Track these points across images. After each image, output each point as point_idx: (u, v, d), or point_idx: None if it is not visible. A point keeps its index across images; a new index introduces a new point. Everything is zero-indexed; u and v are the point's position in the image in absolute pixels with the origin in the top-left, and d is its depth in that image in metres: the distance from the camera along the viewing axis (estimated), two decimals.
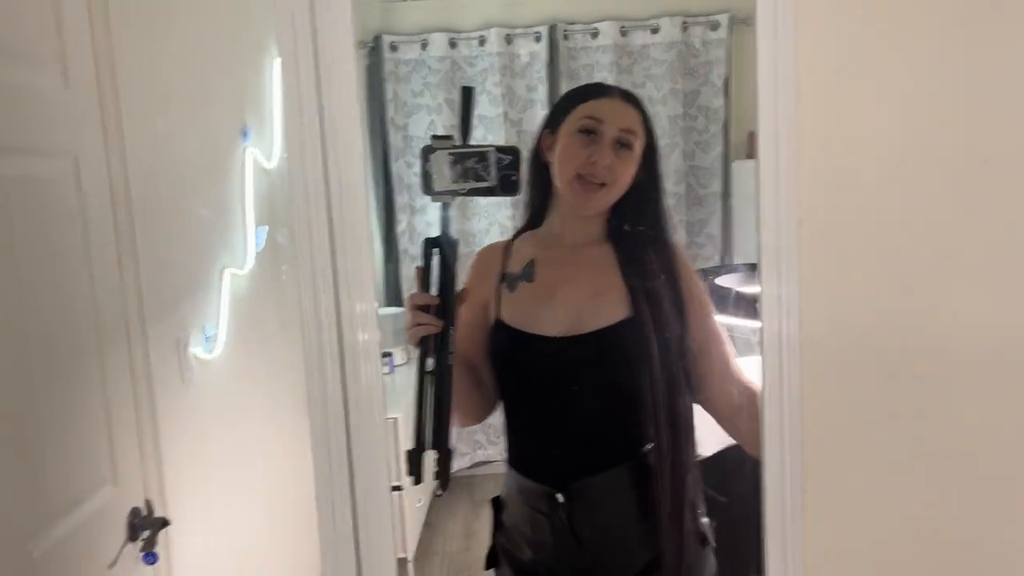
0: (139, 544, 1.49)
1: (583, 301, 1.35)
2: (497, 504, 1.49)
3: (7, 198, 1.21)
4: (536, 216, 1.46)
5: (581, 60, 3.71)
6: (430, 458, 1.13)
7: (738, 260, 3.72)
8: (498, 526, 1.48)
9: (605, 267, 1.37)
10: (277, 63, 2.68)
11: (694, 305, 1.36)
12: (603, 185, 1.33)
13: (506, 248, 1.48)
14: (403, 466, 2.99)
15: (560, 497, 1.34)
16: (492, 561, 1.50)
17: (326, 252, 0.88)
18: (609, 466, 1.34)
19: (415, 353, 1.18)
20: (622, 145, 1.33)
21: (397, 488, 2.97)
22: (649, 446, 1.33)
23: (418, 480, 1.11)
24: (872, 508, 1.01)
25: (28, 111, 1.28)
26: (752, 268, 2.41)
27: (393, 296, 3.94)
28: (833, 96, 0.96)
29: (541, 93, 3.70)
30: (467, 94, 1.13)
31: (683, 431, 1.33)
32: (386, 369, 3.67)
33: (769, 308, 0.91)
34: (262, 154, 2.45)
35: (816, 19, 0.95)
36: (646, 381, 1.29)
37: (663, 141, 3.80)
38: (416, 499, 3.16)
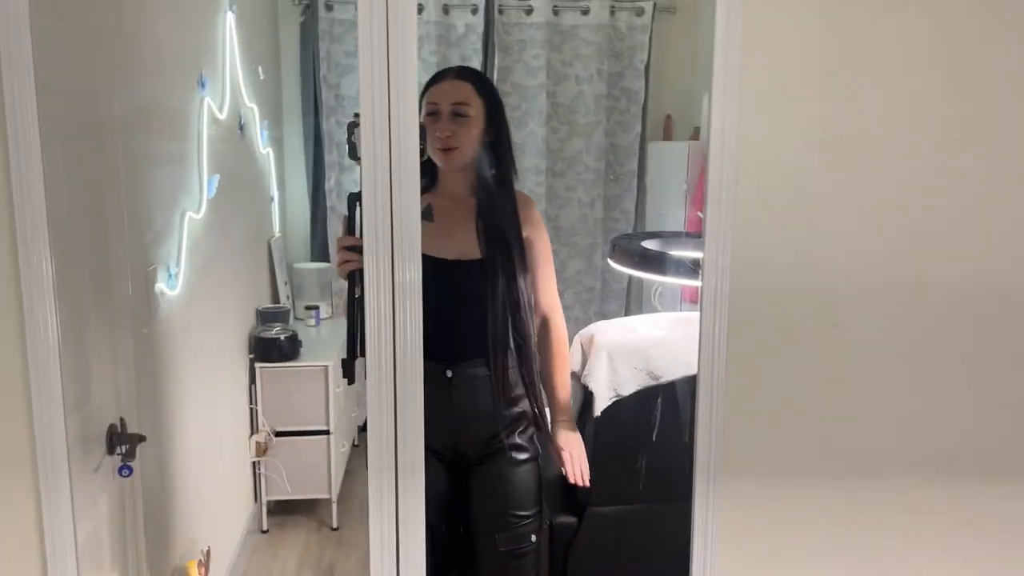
0: (116, 459, 1.62)
1: (463, 239, 1.82)
2: None
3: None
4: (430, 176, 1.86)
5: (515, 35, 3.89)
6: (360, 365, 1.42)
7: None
8: None
9: (471, 217, 1.84)
10: (230, 17, 2.76)
11: (532, 252, 1.86)
12: (454, 148, 1.79)
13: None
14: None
15: (449, 372, 1.82)
16: None
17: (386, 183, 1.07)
18: (481, 356, 1.84)
19: (341, 304, 1.41)
20: (458, 115, 1.78)
21: (326, 432, 3.14)
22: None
23: (352, 381, 1.50)
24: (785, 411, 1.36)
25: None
26: (670, 234, 2.68)
27: (320, 252, 4.04)
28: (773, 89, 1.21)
29: (476, 65, 3.86)
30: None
31: (521, 343, 1.85)
32: (312, 322, 3.78)
33: (709, 267, 1.16)
34: (214, 105, 2.53)
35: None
36: (494, 305, 1.81)
37: (587, 119, 4.03)
38: (340, 444, 3.33)
